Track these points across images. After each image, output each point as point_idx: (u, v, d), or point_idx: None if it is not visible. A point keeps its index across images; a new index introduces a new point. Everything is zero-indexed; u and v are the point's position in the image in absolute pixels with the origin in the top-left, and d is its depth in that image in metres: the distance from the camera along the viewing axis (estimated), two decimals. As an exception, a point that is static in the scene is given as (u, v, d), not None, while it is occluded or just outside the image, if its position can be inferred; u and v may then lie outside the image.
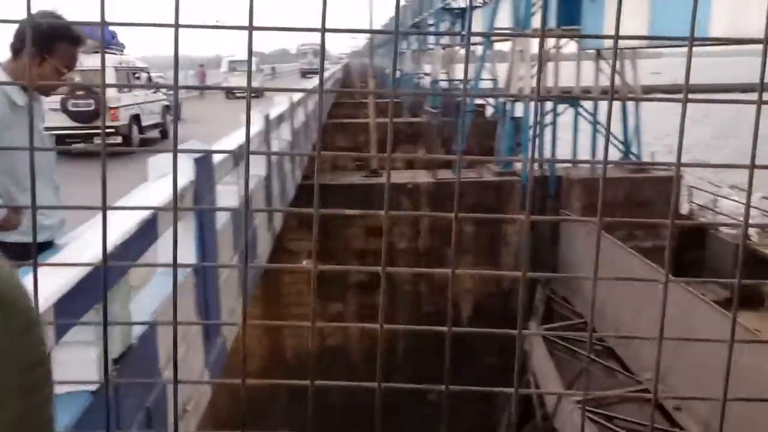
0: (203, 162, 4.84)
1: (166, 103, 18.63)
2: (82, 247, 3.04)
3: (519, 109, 18.12)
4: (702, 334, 10.06)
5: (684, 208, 18.23)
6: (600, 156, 17.78)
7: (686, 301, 11.01)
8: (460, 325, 15.91)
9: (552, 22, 17.06)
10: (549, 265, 16.83)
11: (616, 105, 18.20)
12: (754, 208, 16.64)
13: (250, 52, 1.14)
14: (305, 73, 46.11)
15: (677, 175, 1.25)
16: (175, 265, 1.13)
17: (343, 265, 14.75)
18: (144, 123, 17.20)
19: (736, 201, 17.09)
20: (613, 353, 13.03)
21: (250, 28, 1.05)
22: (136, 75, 17.70)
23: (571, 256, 16.16)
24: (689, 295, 11.16)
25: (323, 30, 1.04)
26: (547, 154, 17.69)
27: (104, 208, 1.12)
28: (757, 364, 9.33)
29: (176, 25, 1.02)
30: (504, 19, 18.86)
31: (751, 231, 16.67)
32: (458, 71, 28.26)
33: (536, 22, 17.38)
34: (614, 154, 18.84)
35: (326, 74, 29.72)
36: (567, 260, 16.41)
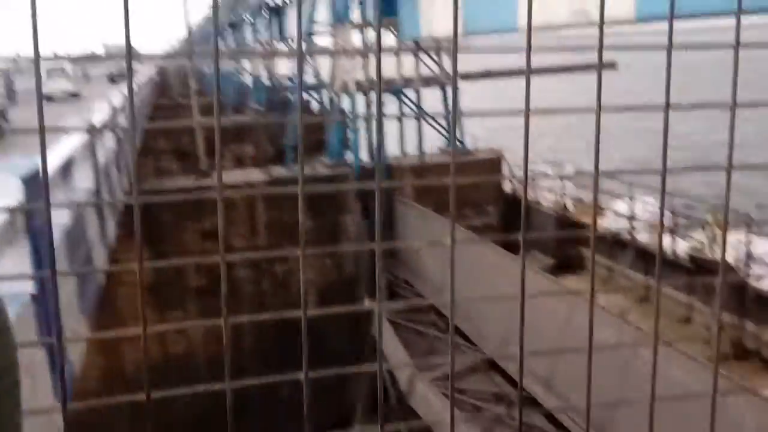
0: (32, 181, 4.41)
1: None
2: None
3: (345, 102, 18.35)
4: (534, 300, 10.76)
5: (507, 186, 19.40)
6: (427, 145, 18.32)
7: (517, 270, 11.71)
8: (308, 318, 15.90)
9: (370, 14, 17.39)
10: (386, 249, 17.24)
11: (437, 94, 18.97)
12: (568, 178, 18.02)
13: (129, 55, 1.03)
14: (113, 78, 40.63)
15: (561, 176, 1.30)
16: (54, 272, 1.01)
17: (179, 271, 14.21)
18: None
19: (551, 176, 18.45)
20: (456, 329, 13.60)
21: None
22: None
23: (406, 238, 16.67)
24: (515, 263, 11.87)
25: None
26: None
27: None
28: (586, 324, 10.11)
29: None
30: (323, 14, 18.96)
31: (568, 202, 18.06)
32: (279, 67, 28.05)
33: (354, 16, 17.65)
34: (439, 142, 19.65)
35: (141, 78, 28.18)
36: (404, 240, 16.90)
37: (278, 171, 17.23)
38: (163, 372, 15.13)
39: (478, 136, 19.86)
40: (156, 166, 17.40)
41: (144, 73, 33.21)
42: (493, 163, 18.33)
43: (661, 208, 1.27)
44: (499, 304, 11.77)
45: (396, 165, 17.87)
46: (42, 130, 1.00)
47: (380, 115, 1.04)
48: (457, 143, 19.33)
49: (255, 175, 16.62)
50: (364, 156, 18.00)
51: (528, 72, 1.11)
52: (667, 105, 1.12)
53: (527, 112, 1.11)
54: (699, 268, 13.34)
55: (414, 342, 13.87)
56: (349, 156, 17.57)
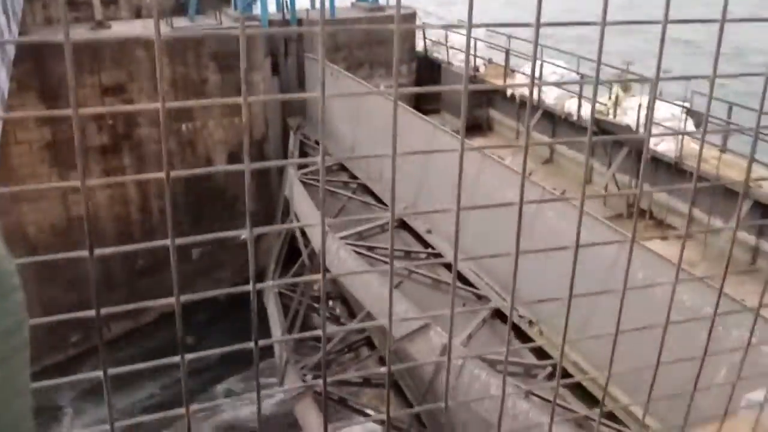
0: None
1: None
2: None
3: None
4: (442, 160, 10.94)
5: (419, 45, 19.07)
6: (339, -5, 17.39)
7: (427, 132, 11.80)
8: (216, 178, 15.68)
9: None
10: (298, 107, 16.94)
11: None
12: (479, 39, 17.86)
13: None
14: None
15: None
16: None
17: (80, 130, 13.55)
18: None
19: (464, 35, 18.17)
20: (367, 189, 13.76)
21: None
22: None
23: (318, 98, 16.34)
24: (429, 126, 11.95)
25: None
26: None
27: None
28: (495, 183, 10.43)
29: None
30: None
31: (478, 62, 17.99)
32: None
33: None
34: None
35: None
36: (315, 102, 16.60)
37: (180, 22, 16.25)
38: (68, 234, 14.75)
39: (392, -9, 19.18)
40: (45, 16, 15.98)
41: None
42: (406, 21, 17.87)
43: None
44: (409, 164, 11.89)
45: (306, 18, 17.16)
46: None
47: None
48: (371, -2, 18.66)
49: (151, 26, 15.59)
50: (272, 8, 17.16)
51: None
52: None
53: (538, 25, 1.01)
54: (602, 130, 13.80)
55: (326, 201, 13.97)
56: (256, 7, 16.69)
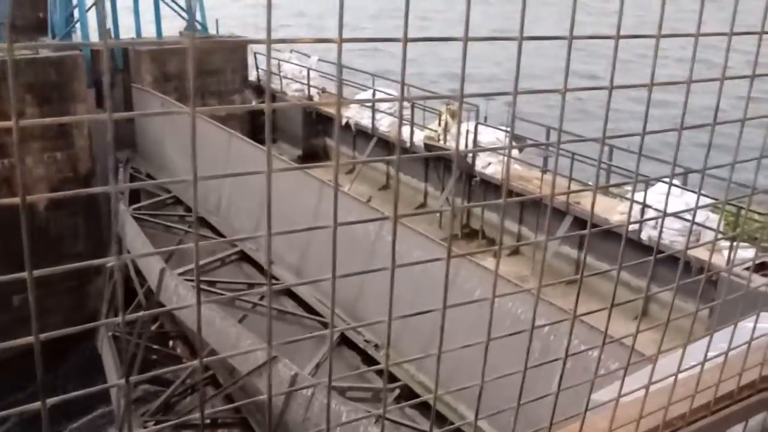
0: None
1: None
2: None
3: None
4: (282, 190, 10.89)
5: (252, 75, 18.95)
6: (164, 27, 16.98)
7: (262, 160, 11.68)
8: (37, 217, 14.57)
9: None
10: (128, 138, 16.23)
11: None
12: (315, 70, 18.08)
13: None
14: None
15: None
16: None
17: None
18: None
19: (297, 64, 18.31)
20: (205, 222, 13.39)
21: None
22: None
23: (150, 130, 15.75)
24: (264, 155, 11.85)
25: None
26: (109, 25, 16.48)
27: None
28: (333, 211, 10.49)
29: None
30: None
31: (313, 92, 18.17)
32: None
33: None
34: (179, 23, 18.50)
35: None
36: (146, 134, 15.98)
37: (-9, 53, 15.05)
38: None
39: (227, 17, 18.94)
40: None
41: None
42: (236, 52, 17.71)
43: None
44: (248, 196, 11.73)
45: (131, 49, 16.52)
46: None
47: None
48: (197, 25, 18.33)
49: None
50: (94, 36, 16.39)
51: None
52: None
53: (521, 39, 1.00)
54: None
55: (161, 237, 13.43)
56: (76, 36, 15.84)
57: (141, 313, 10.00)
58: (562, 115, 1.07)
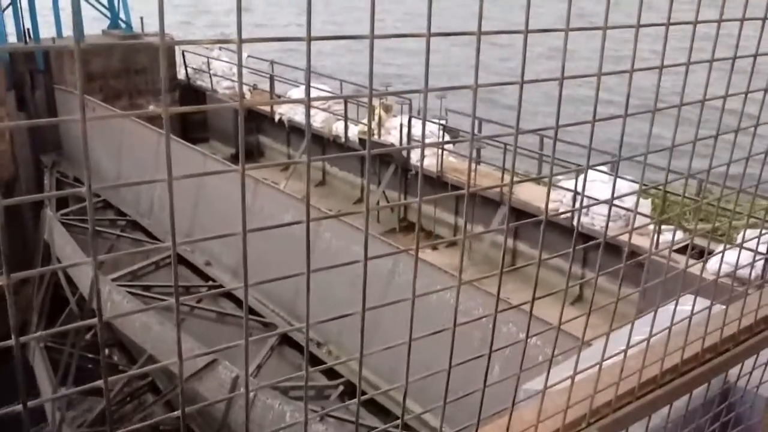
0: None
1: None
2: None
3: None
4: (214, 189, 10.72)
5: (180, 73, 18.55)
6: (87, 26, 16.51)
7: (197, 161, 11.50)
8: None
9: None
10: (52, 143, 15.70)
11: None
12: (244, 66, 17.80)
13: None
14: None
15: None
16: None
17: None
18: None
19: (227, 61, 18.02)
20: (137, 225, 13.07)
21: None
22: None
23: (75, 132, 15.24)
24: (199, 155, 11.65)
25: None
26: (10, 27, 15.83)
27: None
28: (272, 209, 10.41)
29: None
30: None
31: (244, 89, 17.91)
32: None
33: None
34: (101, 22, 17.95)
35: None
36: (71, 136, 15.46)
37: None
38: None
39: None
40: None
41: None
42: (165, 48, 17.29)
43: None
44: (180, 197, 11.49)
45: (52, 51, 15.94)
46: None
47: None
48: (121, 23, 17.85)
49: None
50: (12, 38, 15.76)
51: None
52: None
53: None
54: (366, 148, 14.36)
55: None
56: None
57: (72, 325, 9.70)
58: (474, 110, 1.09)
